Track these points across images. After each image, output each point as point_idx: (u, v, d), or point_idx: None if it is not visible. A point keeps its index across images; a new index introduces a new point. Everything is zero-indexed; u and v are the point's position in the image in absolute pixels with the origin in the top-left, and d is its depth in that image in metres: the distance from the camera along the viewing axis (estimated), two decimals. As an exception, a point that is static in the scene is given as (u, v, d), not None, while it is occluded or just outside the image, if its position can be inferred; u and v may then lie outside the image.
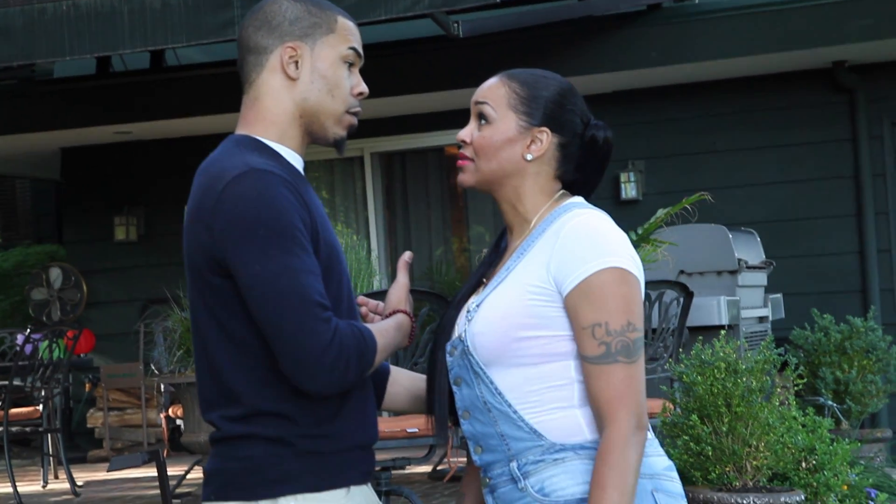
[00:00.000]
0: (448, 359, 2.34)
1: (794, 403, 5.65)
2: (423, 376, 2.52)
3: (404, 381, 2.50)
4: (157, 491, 5.68)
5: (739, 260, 6.92)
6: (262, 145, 2.24)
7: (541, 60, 8.26)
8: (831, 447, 5.07)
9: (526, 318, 2.24)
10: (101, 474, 8.56)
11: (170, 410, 7.52)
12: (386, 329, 2.28)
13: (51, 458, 8.36)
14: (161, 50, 8.59)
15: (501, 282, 2.30)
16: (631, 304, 2.21)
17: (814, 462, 5.00)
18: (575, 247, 2.23)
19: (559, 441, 2.23)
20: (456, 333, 2.35)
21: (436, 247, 9.94)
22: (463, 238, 9.95)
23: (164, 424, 8.36)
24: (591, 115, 2.36)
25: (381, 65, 8.47)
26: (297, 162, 2.28)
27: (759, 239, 7.48)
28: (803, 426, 5.16)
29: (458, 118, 9.27)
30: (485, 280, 2.37)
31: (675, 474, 2.30)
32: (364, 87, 2.31)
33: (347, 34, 2.29)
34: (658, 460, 2.28)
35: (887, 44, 7.72)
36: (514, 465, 2.26)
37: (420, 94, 8.47)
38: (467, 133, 2.34)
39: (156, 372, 6.97)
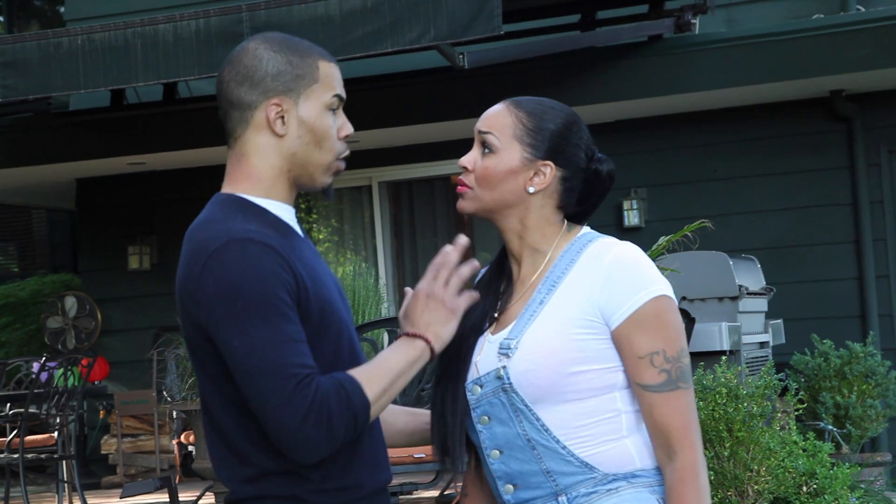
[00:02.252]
0: (471, 396, 2.26)
1: (794, 428, 5.63)
2: (415, 411, 2.46)
3: (394, 421, 2.42)
4: (169, 516, 5.66)
5: (740, 286, 6.91)
6: (248, 204, 2.17)
7: (544, 90, 8.26)
8: (832, 471, 5.05)
9: (575, 353, 2.18)
10: (114, 500, 8.53)
11: (182, 437, 7.51)
12: (382, 364, 2.15)
13: (65, 485, 8.34)
14: (174, 82, 8.63)
15: (536, 315, 2.22)
16: (681, 330, 2.20)
17: (814, 486, 4.99)
18: (622, 278, 2.18)
19: (611, 472, 2.19)
20: (485, 369, 2.25)
21: (443, 274, 9.93)
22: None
23: (176, 451, 8.35)
24: (596, 147, 2.30)
25: (388, 96, 8.50)
26: (286, 213, 2.21)
27: (759, 265, 7.47)
28: (804, 451, 5.15)
29: (464, 147, 9.26)
30: (496, 314, 2.29)
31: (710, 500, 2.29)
32: (349, 129, 2.24)
33: (331, 81, 2.20)
34: None
35: (884, 73, 7.72)
36: (562, 499, 2.20)
37: (426, 124, 8.48)
38: (469, 160, 2.29)
39: (168, 399, 6.97)
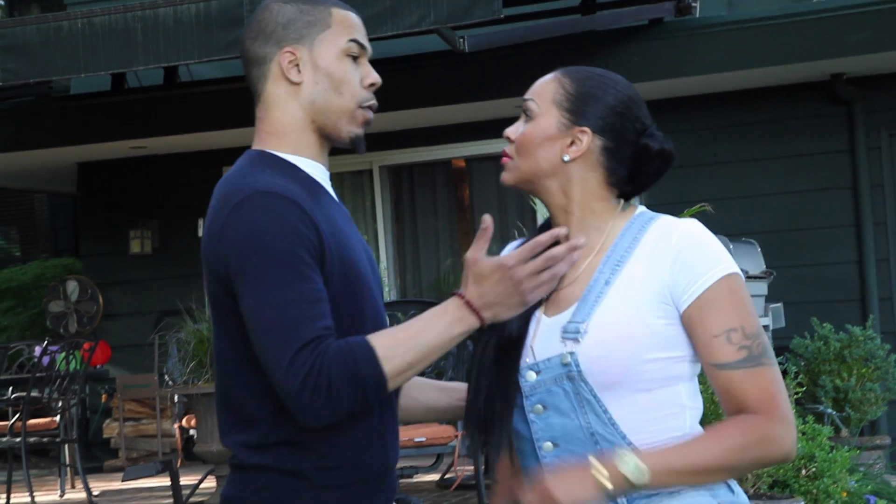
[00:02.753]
0: (524, 383, 2.10)
1: (794, 411, 5.62)
2: (445, 385, 2.36)
3: (422, 397, 2.33)
4: (171, 500, 5.67)
5: (741, 269, 6.89)
6: (276, 160, 2.14)
7: (545, 74, 8.24)
8: (831, 454, 5.04)
9: (649, 338, 2.04)
10: (116, 484, 8.55)
11: (183, 421, 7.50)
12: (415, 333, 2.03)
13: (68, 468, 8.35)
14: (174, 66, 8.60)
15: (602, 296, 2.07)
16: (754, 309, 2.07)
17: (813, 469, 4.98)
18: (692, 257, 2.04)
19: None
20: (544, 355, 2.09)
21: (444, 258, 9.92)
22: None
23: (178, 434, 8.35)
24: (652, 123, 2.16)
25: (388, 80, 8.42)
26: (316, 170, 2.16)
27: (759, 249, 7.46)
28: (803, 434, 5.14)
29: (465, 131, 9.32)
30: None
31: None
32: (376, 77, 2.17)
33: (346, 26, 2.17)
34: (743, 496, 2.14)
35: (884, 57, 7.69)
36: (621, 499, 2.04)
37: (427, 108, 8.46)
38: (512, 130, 2.15)
39: (170, 383, 6.96)
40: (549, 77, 2.16)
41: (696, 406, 2.11)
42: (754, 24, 7.82)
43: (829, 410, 6.91)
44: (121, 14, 6.19)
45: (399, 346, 2.00)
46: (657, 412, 2.06)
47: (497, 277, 2.02)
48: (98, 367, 9.45)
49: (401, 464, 6.10)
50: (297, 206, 2.04)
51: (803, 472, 4.99)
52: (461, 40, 6.90)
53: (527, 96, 2.16)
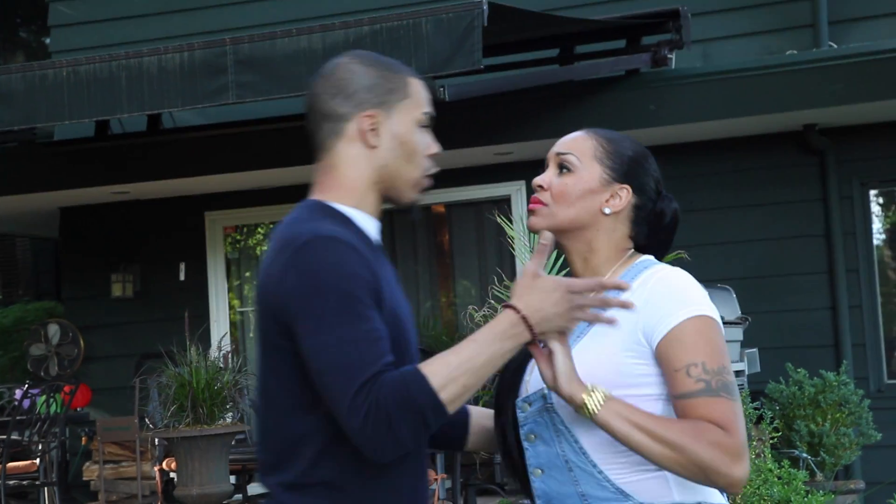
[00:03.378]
0: (520, 414, 2.24)
1: (769, 456, 5.65)
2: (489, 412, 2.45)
3: (486, 422, 2.41)
4: (151, 543, 5.65)
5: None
6: (335, 212, 2.17)
7: (524, 123, 8.32)
8: (806, 499, 5.07)
9: (614, 377, 2.14)
10: (96, 526, 8.48)
11: (164, 464, 7.47)
12: (461, 352, 2.06)
13: (47, 511, 8.30)
14: (158, 113, 8.64)
15: (582, 337, 2.20)
16: (723, 349, 2.14)
17: (789, 514, 5.00)
18: (662, 298, 2.15)
19: (647, 501, 2.14)
20: (533, 388, 2.24)
21: (423, 302, 9.94)
22: (450, 293, 9.95)
23: (157, 477, 8.30)
24: (663, 186, 2.31)
25: (370, 127, 8.52)
26: (372, 226, 2.23)
27: (734, 295, 7.51)
28: (779, 478, 5.16)
29: (445, 178, 9.33)
30: None
31: None
32: (437, 147, 2.25)
33: (421, 98, 2.23)
34: None
35: (856, 108, 7.79)
36: None
37: (408, 155, 8.50)
38: (545, 179, 2.27)
39: (150, 426, 6.94)
40: (581, 134, 2.29)
41: None
42: (729, 75, 7.91)
43: (804, 455, 6.94)
44: (105, 63, 6.22)
45: (452, 370, 2.04)
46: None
47: (558, 296, 2.09)
48: (78, 409, 9.41)
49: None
50: (356, 251, 2.09)
51: (778, 516, 5.01)
52: (441, 89, 6.96)
53: (563, 150, 2.27)
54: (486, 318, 5.66)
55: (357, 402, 2.00)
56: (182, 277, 9.66)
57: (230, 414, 6.44)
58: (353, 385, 2.01)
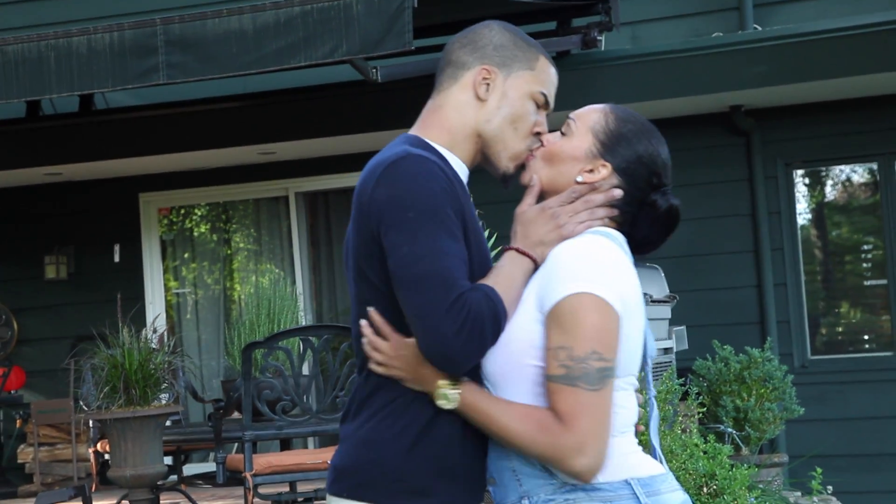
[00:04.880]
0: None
1: (695, 431, 5.68)
2: None
3: None
4: (83, 525, 5.55)
5: (645, 294, 6.94)
6: (430, 146, 2.21)
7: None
8: (731, 472, 5.09)
9: (525, 345, 2.14)
10: (31, 508, 8.35)
11: (98, 445, 7.35)
12: (508, 277, 2.16)
13: (-20, 493, 8.15)
14: (90, 94, 8.48)
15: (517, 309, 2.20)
16: (600, 332, 2.07)
17: (714, 487, 5.03)
18: (556, 270, 2.12)
19: (570, 480, 2.11)
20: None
21: (358, 283, 9.89)
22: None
23: (92, 459, 8.17)
24: (668, 181, 2.28)
25: (304, 108, 8.44)
26: (461, 170, 2.25)
27: (662, 274, 7.54)
28: (704, 453, 5.18)
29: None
30: None
31: None
32: (544, 128, 2.28)
33: (544, 78, 2.29)
34: (671, 496, 2.17)
35: (780, 90, 7.84)
36: (525, 502, 2.15)
37: (342, 136, 8.44)
38: (549, 137, 2.30)
39: (84, 408, 6.82)
40: (598, 106, 2.30)
41: None
42: (657, 57, 7.93)
43: (730, 430, 6.99)
44: (34, 43, 6.07)
45: (505, 287, 2.13)
46: None
47: (541, 220, 2.19)
48: (12, 392, 9.24)
49: (314, 486, 6.05)
50: (445, 174, 2.14)
51: (704, 489, 5.03)
52: (374, 70, 6.89)
53: (571, 115, 2.29)
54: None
55: (455, 311, 2.03)
56: (117, 259, 9.52)
57: (165, 395, 6.34)
58: (451, 294, 2.04)
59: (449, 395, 2.12)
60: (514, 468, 2.16)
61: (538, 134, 2.27)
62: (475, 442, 2.18)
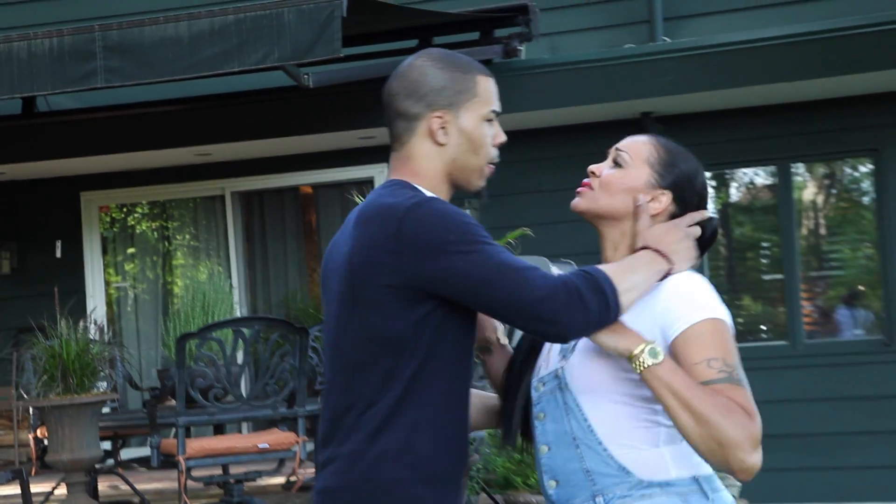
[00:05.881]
0: (534, 393, 2.27)
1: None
2: (488, 395, 2.47)
3: (476, 402, 2.42)
4: (22, 507, 5.52)
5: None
6: (417, 189, 2.22)
7: (383, 109, 8.30)
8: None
9: (623, 373, 2.14)
10: (-27, 493, 8.25)
11: (38, 431, 7.29)
12: (629, 265, 2.15)
13: (-76, 479, 8.03)
14: (32, 97, 8.40)
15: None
16: (736, 351, 2.12)
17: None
18: (679, 301, 2.14)
19: (646, 478, 2.14)
20: (548, 370, 2.26)
21: (291, 277, 9.89)
22: (317, 270, 9.92)
23: (32, 445, 8.11)
24: (708, 203, 2.32)
25: (239, 112, 8.42)
26: None
27: (575, 266, 7.63)
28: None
29: (312, 160, 9.26)
30: None
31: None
32: (503, 137, 2.30)
33: (488, 96, 2.28)
34: (726, 495, 2.20)
35: (686, 98, 7.98)
36: (599, 499, 2.17)
37: (276, 138, 8.44)
38: (598, 167, 2.32)
39: (24, 396, 6.77)
40: (644, 138, 2.34)
41: (672, 426, 2.13)
42: (573, 66, 8.03)
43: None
44: (-25, 46, 6.02)
45: (615, 271, 2.12)
46: (631, 423, 2.16)
47: (675, 232, 2.21)
48: (-44, 382, 9.12)
49: (246, 468, 6.07)
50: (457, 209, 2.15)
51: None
52: (306, 76, 6.91)
53: (621, 147, 2.32)
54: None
55: (542, 279, 2.03)
56: (58, 255, 9.44)
57: (103, 384, 6.31)
58: (529, 271, 2.04)
59: (657, 350, 2.08)
60: (589, 468, 2.18)
61: (499, 144, 2.29)
62: (455, 449, 2.19)
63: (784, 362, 8.33)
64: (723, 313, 2.14)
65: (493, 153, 2.29)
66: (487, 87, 2.28)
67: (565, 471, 2.20)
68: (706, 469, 2.20)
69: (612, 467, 2.16)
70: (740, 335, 8.69)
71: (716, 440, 2.02)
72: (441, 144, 2.24)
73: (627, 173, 2.29)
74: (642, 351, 2.08)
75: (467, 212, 2.30)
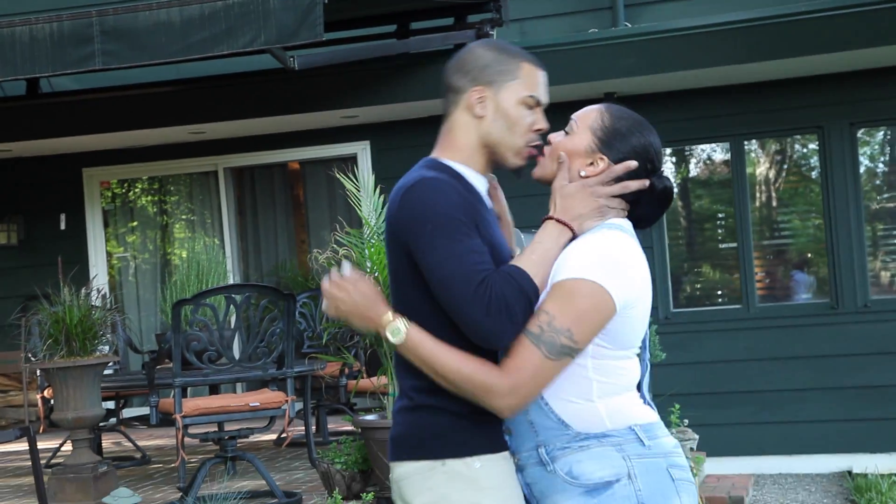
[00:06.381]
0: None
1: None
2: None
3: None
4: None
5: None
6: (445, 166, 2.26)
7: (366, 89, 8.28)
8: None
9: None
10: (-14, 449, 8.25)
11: (45, 392, 7.29)
12: (540, 252, 2.18)
13: (-61, 437, 8.01)
14: (36, 79, 8.32)
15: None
16: (583, 317, 2.11)
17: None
18: (572, 255, 2.15)
19: (583, 430, 2.15)
20: None
21: (281, 248, 9.87)
22: (304, 240, 9.90)
23: (40, 404, 8.09)
24: (661, 166, 2.30)
25: (231, 93, 8.37)
26: (478, 181, 2.29)
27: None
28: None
29: (298, 138, 9.20)
30: None
31: (680, 450, 2.24)
32: (543, 125, 2.30)
33: (531, 83, 2.29)
34: (667, 441, 2.21)
35: (647, 79, 7.97)
36: (542, 450, 2.18)
37: (265, 117, 8.40)
38: (553, 135, 2.33)
39: (31, 359, 6.75)
40: (596, 107, 2.33)
41: (605, 381, 2.17)
42: (542, 49, 7.99)
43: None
44: (-20, 31, 5.95)
45: (535, 266, 2.17)
46: (567, 378, 2.16)
47: (581, 195, 2.24)
48: (-32, 346, 9.09)
49: (238, 426, 6.07)
50: (454, 188, 2.19)
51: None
52: (292, 59, 6.86)
53: (573, 116, 2.32)
54: (329, 260, 5.64)
55: (478, 297, 2.09)
56: (63, 227, 9.39)
57: (105, 347, 6.30)
58: (471, 285, 2.09)
59: (399, 328, 2.14)
60: (532, 420, 2.19)
61: (538, 131, 2.31)
62: None
63: (738, 324, 8.38)
64: (598, 275, 2.12)
65: (531, 136, 2.29)
66: (532, 75, 2.30)
67: (515, 422, 2.22)
68: (647, 418, 2.21)
69: (552, 420, 2.17)
70: (698, 300, 8.74)
71: (469, 393, 2.12)
72: (478, 117, 2.27)
73: (571, 139, 2.29)
74: (386, 331, 2.16)
75: (478, 186, 2.29)
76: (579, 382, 2.16)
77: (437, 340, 2.16)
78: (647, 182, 2.26)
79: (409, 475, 2.22)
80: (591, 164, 2.25)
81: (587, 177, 2.24)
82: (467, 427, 2.18)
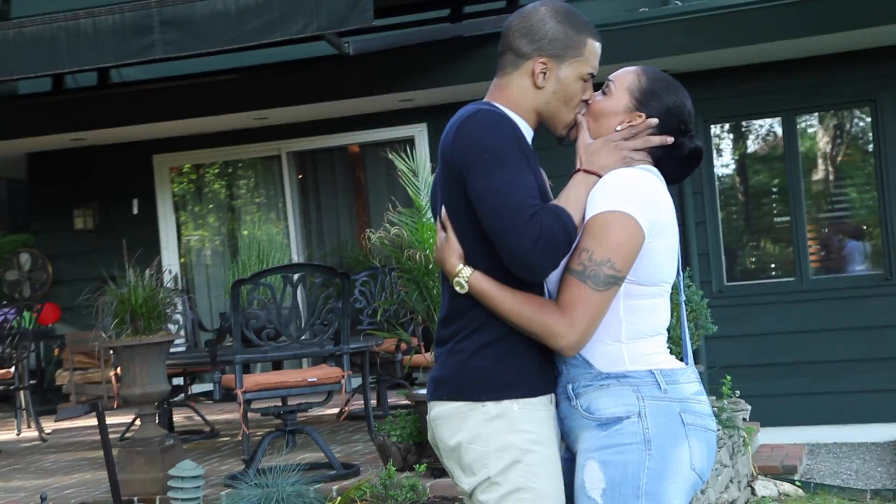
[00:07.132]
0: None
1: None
2: None
3: None
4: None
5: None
6: (500, 108, 2.24)
7: (421, 73, 8.20)
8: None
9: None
10: (67, 424, 8.38)
11: (118, 369, 7.37)
12: (575, 197, 2.19)
13: (23, 412, 8.18)
14: (107, 69, 8.40)
15: None
16: (620, 246, 2.14)
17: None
18: (600, 191, 2.18)
19: (605, 370, 2.19)
20: None
21: (343, 228, 9.87)
22: (365, 221, 9.89)
23: (114, 381, 8.20)
24: (693, 127, 2.34)
25: (292, 79, 8.36)
26: (526, 131, 2.27)
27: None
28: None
29: (357, 122, 9.17)
30: None
31: (703, 397, 2.26)
32: (589, 94, 2.30)
33: (592, 58, 2.29)
34: (687, 386, 2.23)
35: (696, 56, 7.78)
36: (569, 386, 2.24)
37: (324, 102, 8.38)
38: (591, 97, 2.33)
39: (104, 337, 6.82)
40: (632, 69, 2.35)
41: (635, 321, 2.20)
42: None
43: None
44: (47, 25, 6.00)
45: (571, 209, 2.17)
46: None
47: (606, 150, 2.24)
48: (49, 325, 9.25)
49: (297, 400, 6.06)
50: (511, 123, 2.19)
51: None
52: (347, 45, 6.82)
53: (610, 77, 2.35)
54: (381, 239, 5.61)
55: (528, 228, 2.08)
56: (135, 211, 9.49)
57: (173, 326, 6.34)
58: (523, 216, 2.08)
59: (462, 281, 2.18)
60: (565, 359, 2.24)
61: (586, 101, 2.31)
62: (544, 347, 2.24)
63: (792, 297, 8.18)
64: (623, 205, 2.15)
65: (581, 107, 2.30)
66: (592, 50, 2.29)
67: (557, 360, 2.28)
68: (669, 364, 2.24)
69: (578, 359, 2.22)
70: (752, 273, 8.54)
71: (534, 334, 2.17)
72: (539, 87, 2.25)
73: (609, 100, 2.31)
74: (452, 281, 2.21)
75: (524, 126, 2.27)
76: (610, 323, 2.19)
77: (498, 286, 2.17)
78: (669, 138, 2.29)
79: (447, 414, 2.22)
80: (630, 122, 2.28)
81: (624, 129, 2.27)
82: (506, 371, 2.19)
